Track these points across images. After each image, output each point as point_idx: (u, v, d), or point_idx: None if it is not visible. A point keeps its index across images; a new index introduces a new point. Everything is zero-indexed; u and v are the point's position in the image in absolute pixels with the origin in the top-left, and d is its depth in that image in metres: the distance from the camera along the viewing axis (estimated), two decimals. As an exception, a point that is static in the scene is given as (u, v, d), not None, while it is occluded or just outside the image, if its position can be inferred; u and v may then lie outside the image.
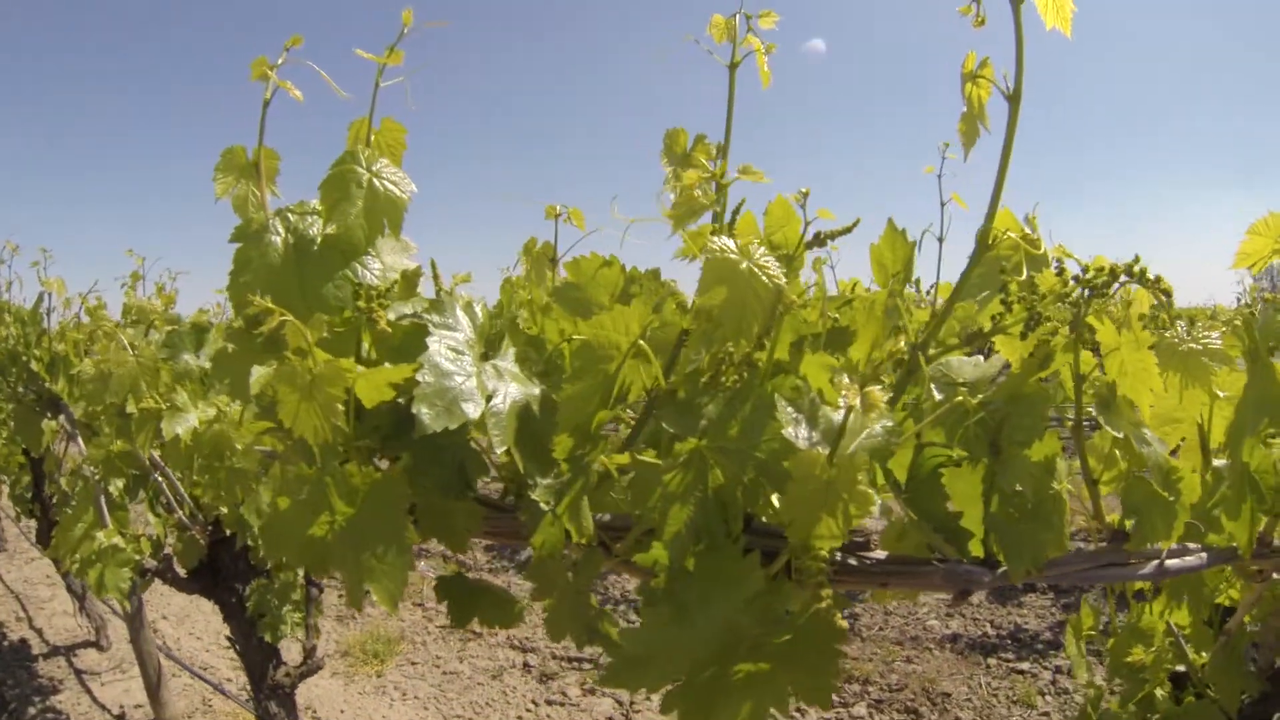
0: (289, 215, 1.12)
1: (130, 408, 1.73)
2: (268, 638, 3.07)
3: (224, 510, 2.84)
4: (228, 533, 2.89)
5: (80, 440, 2.76)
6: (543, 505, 1.03)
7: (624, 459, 1.04)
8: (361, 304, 1.06)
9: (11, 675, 5.72)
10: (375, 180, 1.12)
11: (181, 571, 3.01)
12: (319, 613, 3.38)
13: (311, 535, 1.03)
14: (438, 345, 1.02)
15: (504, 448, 1.02)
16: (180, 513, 2.86)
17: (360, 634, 6.05)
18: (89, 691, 5.46)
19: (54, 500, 5.33)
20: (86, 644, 6.05)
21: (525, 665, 5.76)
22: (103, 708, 5.22)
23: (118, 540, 2.60)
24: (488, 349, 1.12)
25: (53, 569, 7.29)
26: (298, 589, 3.12)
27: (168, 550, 2.92)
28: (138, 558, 2.72)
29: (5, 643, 6.36)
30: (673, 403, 1.06)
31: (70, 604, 6.50)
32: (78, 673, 5.72)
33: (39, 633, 6.43)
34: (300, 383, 0.97)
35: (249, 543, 2.99)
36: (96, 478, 2.73)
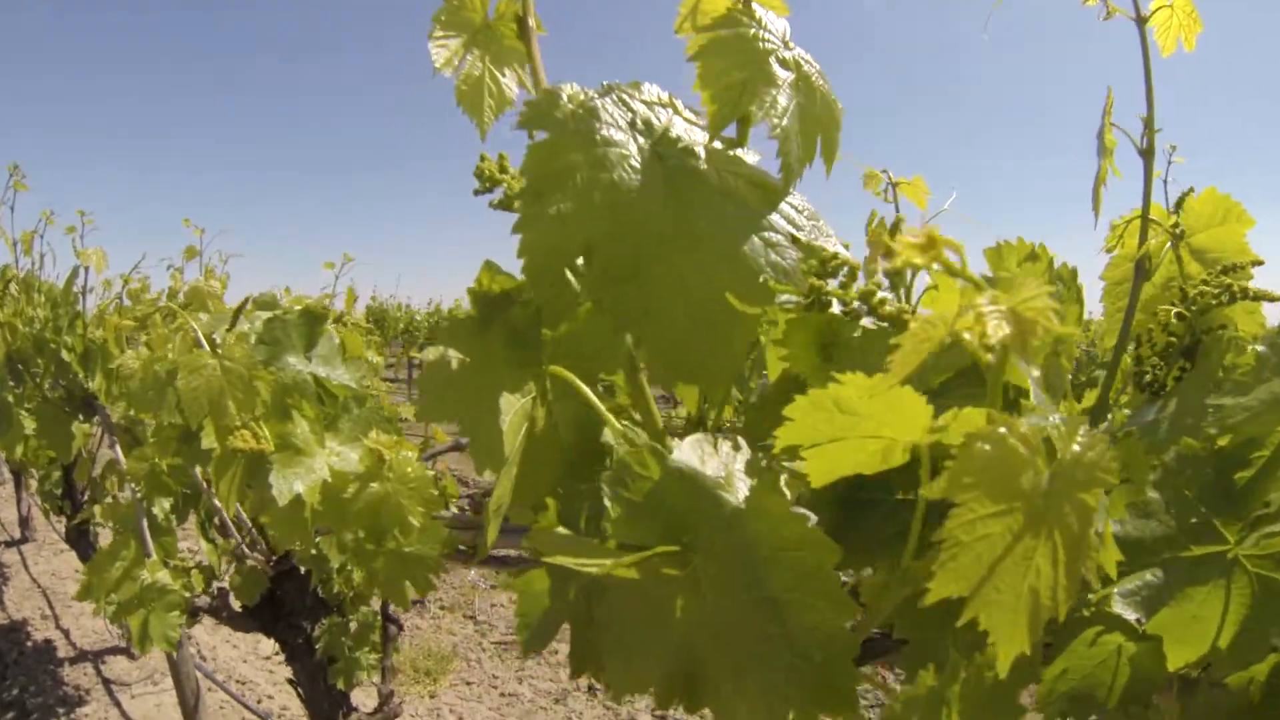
0: (629, 97, 0.53)
1: (208, 439, 1.15)
2: (340, 684, 2.49)
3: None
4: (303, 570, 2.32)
5: (119, 449, 2.19)
6: None
7: None
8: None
9: (35, 681, 5.19)
10: (803, 63, 0.56)
11: (237, 607, 2.45)
12: (396, 652, 2.81)
13: None
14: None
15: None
16: (239, 538, 2.29)
17: (410, 649, 5.48)
18: (118, 704, 4.92)
19: (85, 498, 4.79)
20: (116, 650, 5.51)
21: (590, 688, 5.19)
22: (133, 724, 4.68)
23: (164, 577, 2.03)
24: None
25: (80, 562, 6.78)
26: (375, 629, 2.55)
27: (222, 583, 2.36)
28: (187, 595, 2.15)
29: (30, 643, 5.83)
30: None
31: (99, 602, 5.95)
32: (106, 682, 5.18)
33: (65, 634, 5.90)
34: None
35: (321, 578, 2.42)
36: (138, 496, 2.15)
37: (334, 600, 2.56)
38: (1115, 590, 0.65)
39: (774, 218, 0.69)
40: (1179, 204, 1.08)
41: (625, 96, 0.65)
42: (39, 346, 2.28)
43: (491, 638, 5.76)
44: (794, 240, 0.69)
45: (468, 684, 5.21)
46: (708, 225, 0.66)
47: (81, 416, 2.32)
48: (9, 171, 2.24)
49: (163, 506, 2.19)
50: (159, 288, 2.41)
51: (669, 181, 0.66)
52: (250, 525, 2.23)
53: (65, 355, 2.26)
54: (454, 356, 0.70)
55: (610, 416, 0.72)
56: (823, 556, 0.56)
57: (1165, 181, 1.07)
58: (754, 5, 0.70)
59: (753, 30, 0.68)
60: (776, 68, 0.68)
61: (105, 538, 4.88)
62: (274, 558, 2.31)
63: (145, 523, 2.14)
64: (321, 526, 1.11)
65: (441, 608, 6.37)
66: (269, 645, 5.13)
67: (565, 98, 0.63)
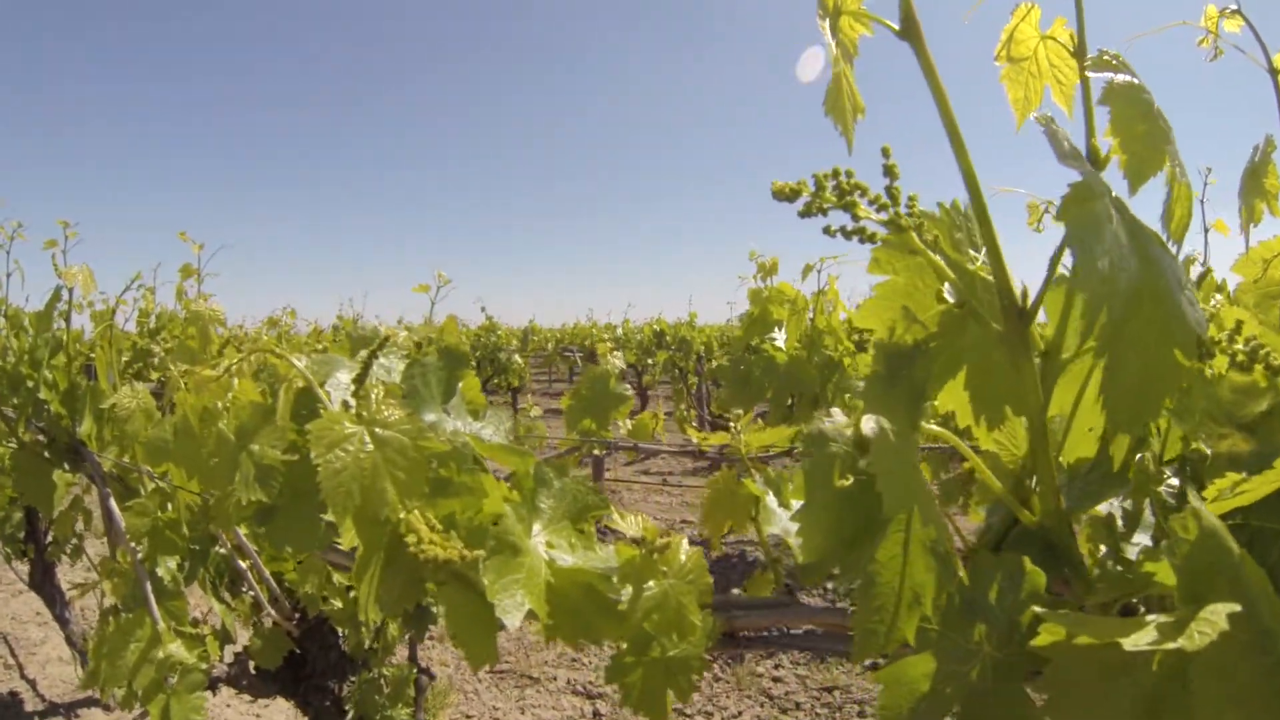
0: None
1: (347, 536, 0.83)
2: (375, 748, 2.18)
3: (310, 591, 1.94)
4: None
5: (113, 503, 1.85)
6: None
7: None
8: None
9: (0, 740, 4.75)
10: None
11: (252, 669, 2.12)
12: (426, 705, 2.50)
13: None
14: None
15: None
16: (258, 592, 1.96)
17: (405, 682, 5.12)
18: (94, 763, 4.50)
19: (50, 541, 4.37)
20: (89, 702, 5.06)
21: (595, 714, 4.89)
22: (113, 786, 4.28)
23: (180, 651, 1.70)
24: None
25: (43, 605, 6.31)
26: (410, 682, 2.23)
27: (240, 646, 2.03)
28: (205, 666, 1.82)
29: (-8, 695, 5.37)
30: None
31: (64, 644, 5.53)
32: (79, 737, 4.75)
33: (32, 685, 5.43)
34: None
35: (343, 631, 2.11)
36: (140, 556, 1.82)
37: (360, 655, 2.25)
38: None
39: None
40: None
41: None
42: (14, 384, 1.93)
43: (486, 668, 5.42)
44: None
45: (468, 717, 4.88)
46: (1165, 282, 0.66)
47: (67, 465, 1.97)
48: None
49: (168, 566, 1.86)
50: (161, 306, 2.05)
51: (1132, 237, 0.66)
52: (272, 580, 1.91)
53: (44, 394, 1.92)
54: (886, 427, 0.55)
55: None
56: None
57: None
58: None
59: (1135, 78, 0.72)
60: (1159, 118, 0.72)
61: (70, 575, 4.44)
62: (297, 615, 1.99)
63: (150, 587, 1.81)
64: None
65: (429, 638, 6.02)
66: (279, 706, 4.73)
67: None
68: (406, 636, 2.27)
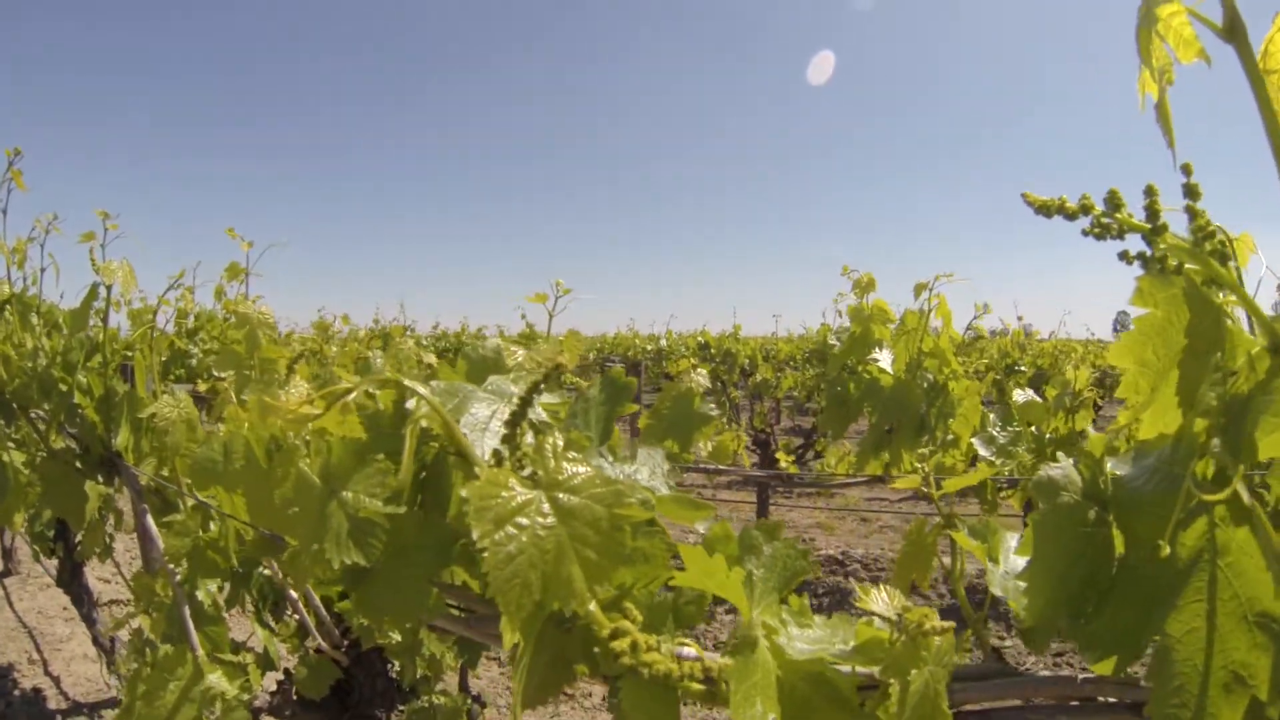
0: None
1: (509, 633, 0.63)
2: (430, 780, 1.99)
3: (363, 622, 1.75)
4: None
5: (150, 519, 1.67)
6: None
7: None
8: None
9: (22, 738, 4.60)
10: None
11: (295, 697, 1.94)
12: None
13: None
14: None
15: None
16: (305, 618, 1.77)
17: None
18: (119, 765, 4.33)
19: (79, 541, 4.22)
20: (113, 703, 4.91)
21: (629, 729, 4.69)
22: (138, 792, 4.10)
23: (222, 683, 1.51)
24: None
25: (69, 600, 6.18)
26: (464, 712, 2.04)
27: (281, 673, 1.85)
28: (247, 698, 1.64)
29: (17, 691, 5.22)
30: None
31: (91, 645, 5.38)
32: (103, 739, 4.60)
33: (55, 681, 5.29)
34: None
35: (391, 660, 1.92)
36: (179, 579, 1.64)
37: (409, 683, 2.06)
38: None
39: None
40: None
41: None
42: (44, 387, 1.75)
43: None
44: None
45: (502, 732, 4.69)
46: None
47: (101, 478, 1.79)
48: (8, 158, 1.68)
49: (208, 589, 1.68)
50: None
51: None
52: (319, 605, 1.72)
53: (78, 399, 1.74)
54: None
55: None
56: None
57: None
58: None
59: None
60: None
61: (99, 571, 4.26)
62: (347, 643, 1.80)
63: (188, 612, 1.63)
64: None
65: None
66: None
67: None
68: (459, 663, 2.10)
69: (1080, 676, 0.78)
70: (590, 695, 5.02)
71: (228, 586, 1.75)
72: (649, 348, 13.46)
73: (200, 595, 1.65)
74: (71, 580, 4.81)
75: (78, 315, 1.75)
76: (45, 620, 6.27)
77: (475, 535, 0.59)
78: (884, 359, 2.25)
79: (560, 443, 0.71)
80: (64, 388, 1.74)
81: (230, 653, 1.72)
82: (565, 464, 0.69)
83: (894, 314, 2.34)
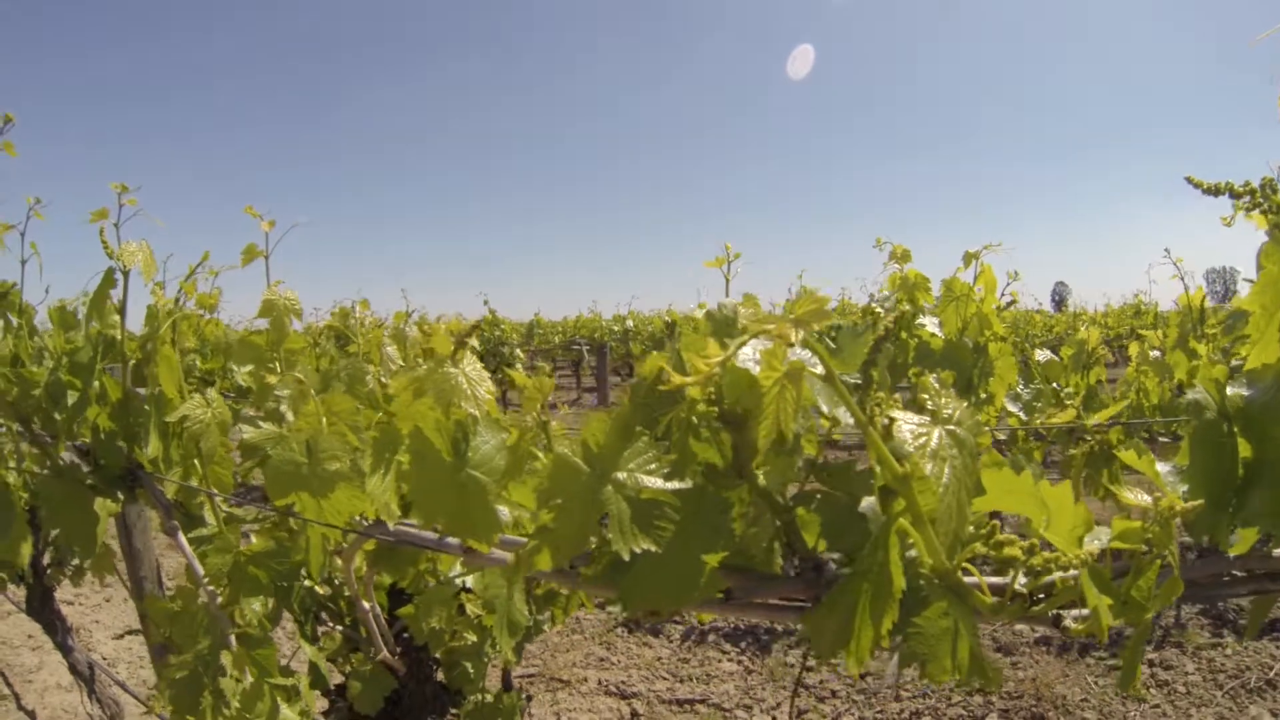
0: None
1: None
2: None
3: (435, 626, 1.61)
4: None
5: (182, 537, 1.50)
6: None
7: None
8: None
9: (-1, 782, 4.33)
10: None
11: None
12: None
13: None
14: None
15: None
16: (373, 627, 1.62)
17: (433, 691, 4.78)
18: (109, 799, 4.09)
19: (48, 565, 3.96)
20: (97, 732, 4.64)
21: (633, 714, 4.62)
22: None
23: (288, 714, 1.36)
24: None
25: (35, 627, 5.83)
26: (519, 710, 1.91)
27: (333, 687, 1.69)
28: (305, 720, 1.49)
29: (-11, 729, 4.93)
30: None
31: (63, 669, 5.09)
32: (90, 773, 4.33)
33: (31, 716, 4.99)
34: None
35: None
36: (220, 601, 1.48)
37: (456, 684, 1.93)
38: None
39: None
40: None
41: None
42: (52, 395, 1.55)
43: (514, 673, 5.10)
44: None
45: None
46: None
47: (117, 494, 1.59)
48: None
49: (253, 610, 1.52)
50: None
51: None
52: (379, 612, 1.57)
53: (92, 409, 1.53)
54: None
55: None
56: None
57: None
58: None
59: None
60: None
61: (63, 597, 3.99)
62: (405, 648, 1.66)
63: (233, 638, 1.47)
64: None
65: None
66: None
67: None
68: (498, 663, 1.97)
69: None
70: (585, 681, 4.92)
71: (271, 604, 1.60)
72: (615, 328, 13.32)
73: (243, 615, 1.49)
74: (42, 607, 4.51)
75: (92, 305, 1.53)
76: (11, 651, 5.93)
77: (927, 470, 0.54)
78: (930, 324, 2.30)
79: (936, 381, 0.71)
80: (75, 394, 1.55)
81: (280, 675, 1.57)
82: (944, 400, 0.70)
83: (959, 281, 2.38)
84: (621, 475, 0.76)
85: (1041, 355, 2.62)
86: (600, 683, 4.95)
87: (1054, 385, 2.59)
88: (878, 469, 0.73)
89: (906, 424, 0.71)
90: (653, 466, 0.76)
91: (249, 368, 1.58)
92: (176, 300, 1.55)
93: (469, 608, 1.54)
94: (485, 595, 1.49)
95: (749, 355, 0.72)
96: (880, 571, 0.71)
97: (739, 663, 5.23)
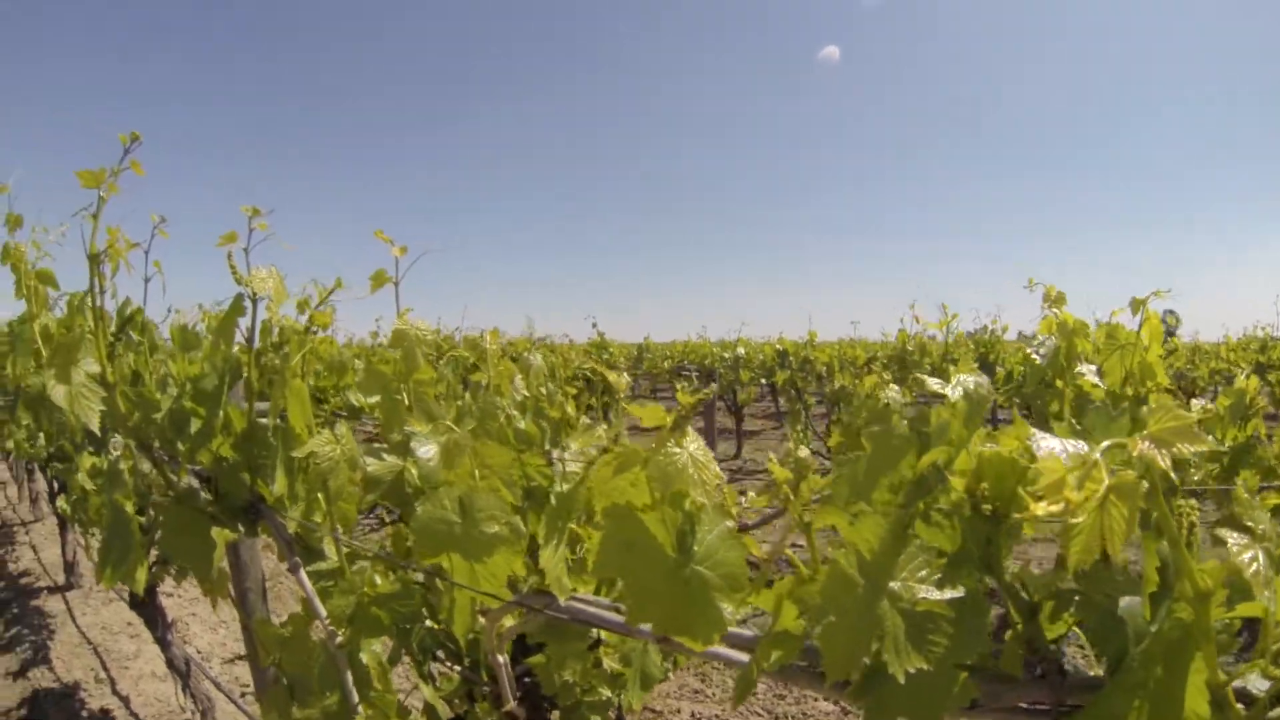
0: None
1: None
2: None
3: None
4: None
5: (304, 575, 1.43)
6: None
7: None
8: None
9: (93, 766, 4.40)
10: None
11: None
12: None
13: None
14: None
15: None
16: (502, 680, 1.52)
17: None
18: (196, 794, 4.13)
19: (154, 564, 4.00)
20: (189, 727, 4.70)
21: None
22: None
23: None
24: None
25: (134, 615, 5.96)
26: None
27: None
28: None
29: (85, 712, 5.02)
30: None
31: (158, 659, 5.19)
32: (178, 766, 4.39)
33: (124, 702, 5.08)
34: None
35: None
36: (339, 642, 1.40)
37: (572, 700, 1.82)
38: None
39: None
40: None
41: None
42: (176, 423, 1.50)
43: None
44: None
45: None
46: None
47: (239, 525, 1.53)
48: (123, 145, 1.41)
49: (374, 651, 1.43)
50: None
51: None
52: (506, 660, 1.48)
53: (217, 440, 1.47)
54: None
55: None
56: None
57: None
58: None
59: None
60: None
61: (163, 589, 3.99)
62: (521, 694, 1.56)
63: (350, 678, 1.39)
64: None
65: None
66: None
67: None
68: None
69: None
70: (679, 713, 4.79)
71: (390, 646, 1.52)
72: (725, 354, 13.04)
73: (365, 658, 1.41)
74: (144, 602, 4.58)
75: (218, 333, 1.46)
76: (110, 636, 6.07)
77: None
78: (1088, 371, 2.14)
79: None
80: (198, 421, 1.49)
81: (399, 717, 1.48)
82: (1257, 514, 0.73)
83: (1122, 329, 2.21)
84: (896, 585, 0.67)
85: (1198, 404, 2.41)
86: (694, 715, 4.80)
87: (1210, 437, 2.36)
88: (1155, 575, 0.70)
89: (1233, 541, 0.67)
90: (924, 574, 0.68)
91: (376, 398, 1.51)
92: (307, 329, 1.48)
93: (607, 662, 1.44)
94: (623, 649, 1.40)
95: (1058, 449, 0.62)
96: (1161, 690, 0.66)
97: (836, 702, 5.04)
